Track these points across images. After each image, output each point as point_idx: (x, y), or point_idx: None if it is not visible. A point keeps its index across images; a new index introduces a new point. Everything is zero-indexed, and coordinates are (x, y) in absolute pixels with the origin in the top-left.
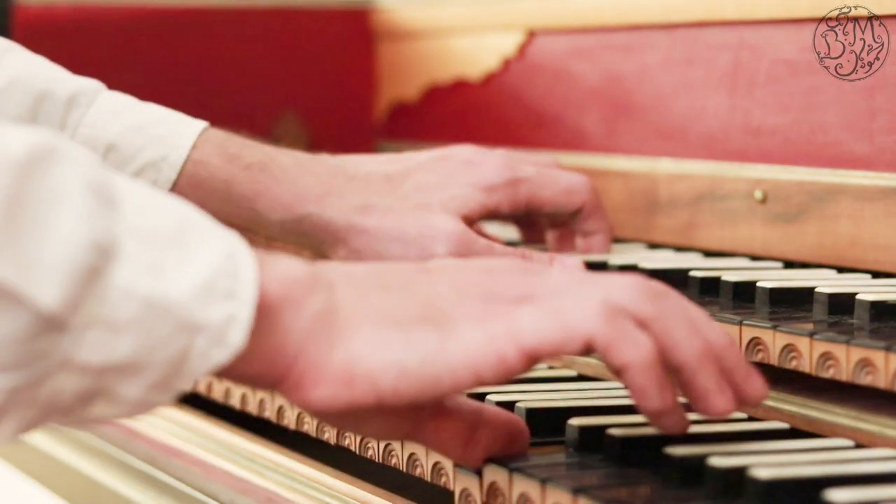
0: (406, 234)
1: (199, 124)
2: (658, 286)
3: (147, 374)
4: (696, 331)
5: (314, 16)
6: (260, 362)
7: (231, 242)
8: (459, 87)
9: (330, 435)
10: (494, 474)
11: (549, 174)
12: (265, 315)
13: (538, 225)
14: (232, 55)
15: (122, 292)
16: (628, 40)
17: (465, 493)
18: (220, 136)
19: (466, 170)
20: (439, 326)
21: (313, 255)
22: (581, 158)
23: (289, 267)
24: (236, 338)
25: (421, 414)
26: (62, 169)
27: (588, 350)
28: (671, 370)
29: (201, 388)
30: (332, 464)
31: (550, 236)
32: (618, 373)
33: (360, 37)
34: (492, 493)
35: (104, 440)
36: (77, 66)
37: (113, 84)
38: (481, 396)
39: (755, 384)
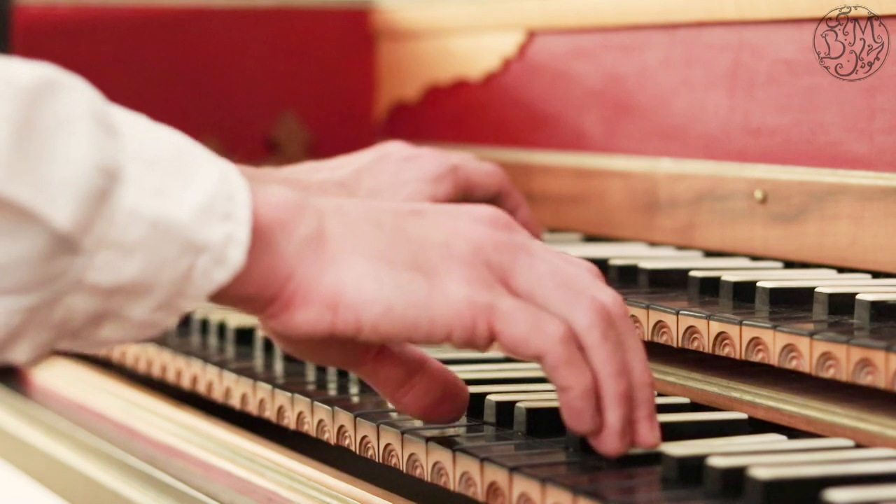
0: None
1: None
2: (618, 305)
3: (154, 294)
4: (625, 371)
5: (314, 16)
6: (254, 283)
7: (224, 168)
8: (459, 87)
9: (330, 435)
10: (494, 474)
11: (470, 159)
12: (259, 237)
13: None
14: (232, 55)
15: (129, 214)
16: (628, 40)
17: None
18: None
19: (409, 165)
20: (428, 276)
21: None
22: (581, 158)
23: (279, 192)
24: (235, 257)
25: (368, 349)
26: (67, 97)
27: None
28: None
29: (201, 388)
30: (332, 464)
31: None
32: (556, 386)
33: (360, 37)
34: (492, 492)
35: (104, 440)
36: (77, 66)
37: (113, 84)
38: (481, 396)
39: (653, 429)
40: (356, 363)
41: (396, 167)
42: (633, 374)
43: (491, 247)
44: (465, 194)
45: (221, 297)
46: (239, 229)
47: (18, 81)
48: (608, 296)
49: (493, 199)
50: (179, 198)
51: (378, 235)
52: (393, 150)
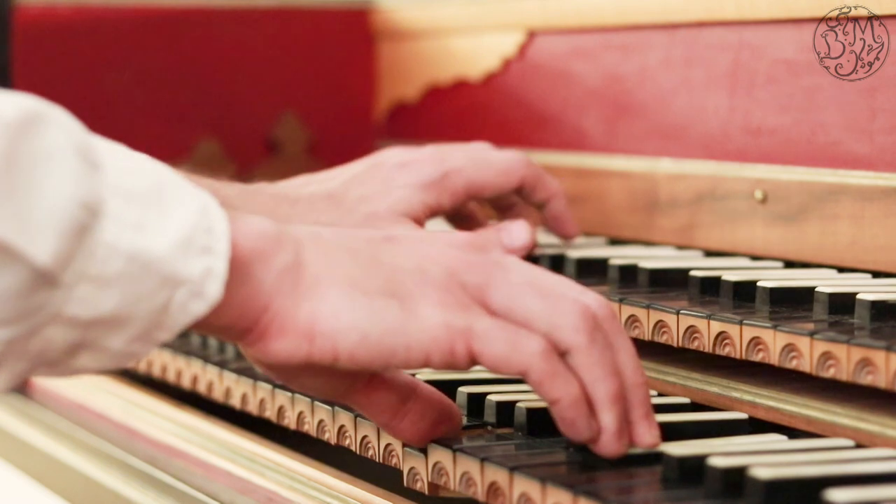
0: None
1: None
2: (602, 307)
3: (131, 326)
4: (615, 372)
5: (314, 16)
6: (230, 314)
7: (204, 200)
8: (459, 87)
9: (330, 435)
10: (495, 474)
11: (481, 158)
12: (237, 269)
13: (473, 218)
14: (232, 55)
15: (108, 248)
16: (628, 40)
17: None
18: None
19: (401, 172)
20: (402, 303)
21: None
22: (581, 158)
23: (257, 223)
24: (213, 290)
25: (357, 377)
26: (50, 132)
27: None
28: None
29: (202, 388)
30: (332, 464)
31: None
32: (547, 402)
33: (360, 37)
34: (492, 492)
35: (104, 440)
36: (77, 66)
37: (113, 84)
38: (482, 396)
39: (650, 429)
40: (346, 393)
41: (388, 173)
42: (625, 375)
43: (464, 268)
44: (468, 197)
45: (197, 326)
46: (217, 262)
47: (1, 115)
48: (591, 298)
49: (518, 193)
50: (159, 231)
51: (353, 264)
52: (388, 158)
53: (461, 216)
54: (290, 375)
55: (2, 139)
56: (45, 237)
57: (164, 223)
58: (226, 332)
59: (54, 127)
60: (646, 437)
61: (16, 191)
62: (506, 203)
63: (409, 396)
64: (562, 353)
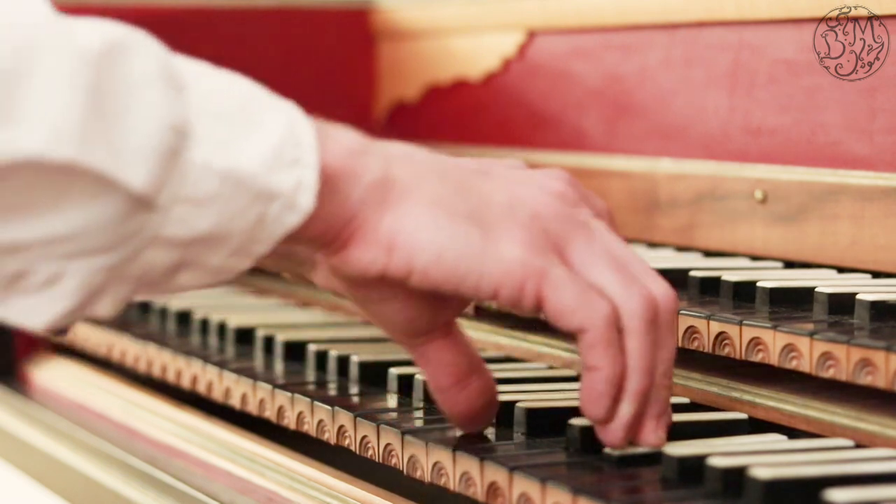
0: None
1: None
2: (668, 300)
3: (228, 242)
4: (651, 369)
5: (314, 16)
6: (320, 226)
7: (290, 113)
8: (459, 87)
9: (330, 435)
10: (494, 474)
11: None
12: (326, 183)
13: None
14: (232, 55)
15: (201, 169)
16: (628, 40)
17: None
18: None
19: None
20: (484, 232)
21: (292, 278)
22: (581, 158)
23: (346, 137)
24: (305, 201)
25: (435, 321)
26: (136, 58)
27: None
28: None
29: (201, 388)
30: (332, 464)
31: None
32: (585, 365)
33: (360, 37)
34: (492, 492)
35: (104, 440)
36: None
37: None
38: None
39: (657, 430)
40: (419, 337)
41: None
42: (657, 372)
43: (552, 216)
44: None
45: (288, 239)
46: (308, 174)
47: (87, 46)
48: (661, 288)
49: None
50: (248, 148)
51: (442, 185)
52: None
53: None
54: (368, 296)
55: (90, 70)
56: (138, 163)
57: (253, 139)
58: (313, 243)
59: (139, 53)
60: (651, 436)
61: (106, 120)
62: None
63: (476, 371)
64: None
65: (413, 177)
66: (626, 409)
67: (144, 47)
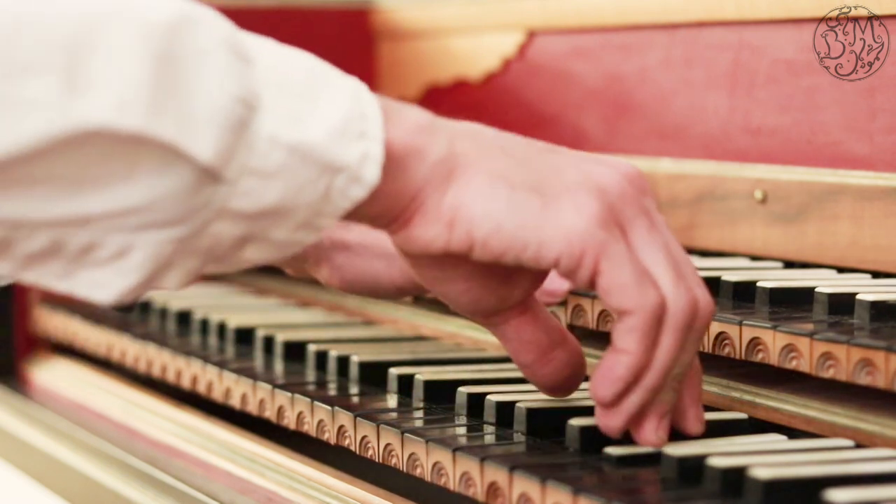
0: (388, 249)
1: None
2: (706, 307)
3: (294, 215)
4: (670, 370)
5: (314, 16)
6: (384, 202)
7: (355, 86)
8: (459, 87)
9: (330, 435)
10: (494, 474)
11: None
12: (392, 160)
13: None
14: None
15: (268, 141)
16: (628, 40)
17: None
18: None
19: None
20: (545, 200)
21: (295, 274)
22: None
23: (412, 114)
24: (371, 174)
25: (508, 299)
26: (202, 30)
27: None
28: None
29: (201, 388)
30: (332, 464)
31: None
32: (614, 345)
33: (360, 37)
34: (492, 492)
35: (104, 440)
36: None
37: None
38: (482, 396)
39: (657, 430)
40: (495, 315)
41: None
42: (672, 374)
43: (618, 194)
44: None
45: (352, 215)
46: (373, 147)
47: (154, 18)
48: (706, 297)
49: None
50: (314, 120)
51: (506, 158)
52: None
53: None
54: (435, 276)
55: (157, 42)
56: (206, 135)
57: (319, 112)
58: (377, 219)
59: (205, 25)
60: (652, 435)
61: (174, 92)
62: None
63: (559, 343)
64: None
65: (476, 151)
66: (634, 399)
67: (211, 20)
